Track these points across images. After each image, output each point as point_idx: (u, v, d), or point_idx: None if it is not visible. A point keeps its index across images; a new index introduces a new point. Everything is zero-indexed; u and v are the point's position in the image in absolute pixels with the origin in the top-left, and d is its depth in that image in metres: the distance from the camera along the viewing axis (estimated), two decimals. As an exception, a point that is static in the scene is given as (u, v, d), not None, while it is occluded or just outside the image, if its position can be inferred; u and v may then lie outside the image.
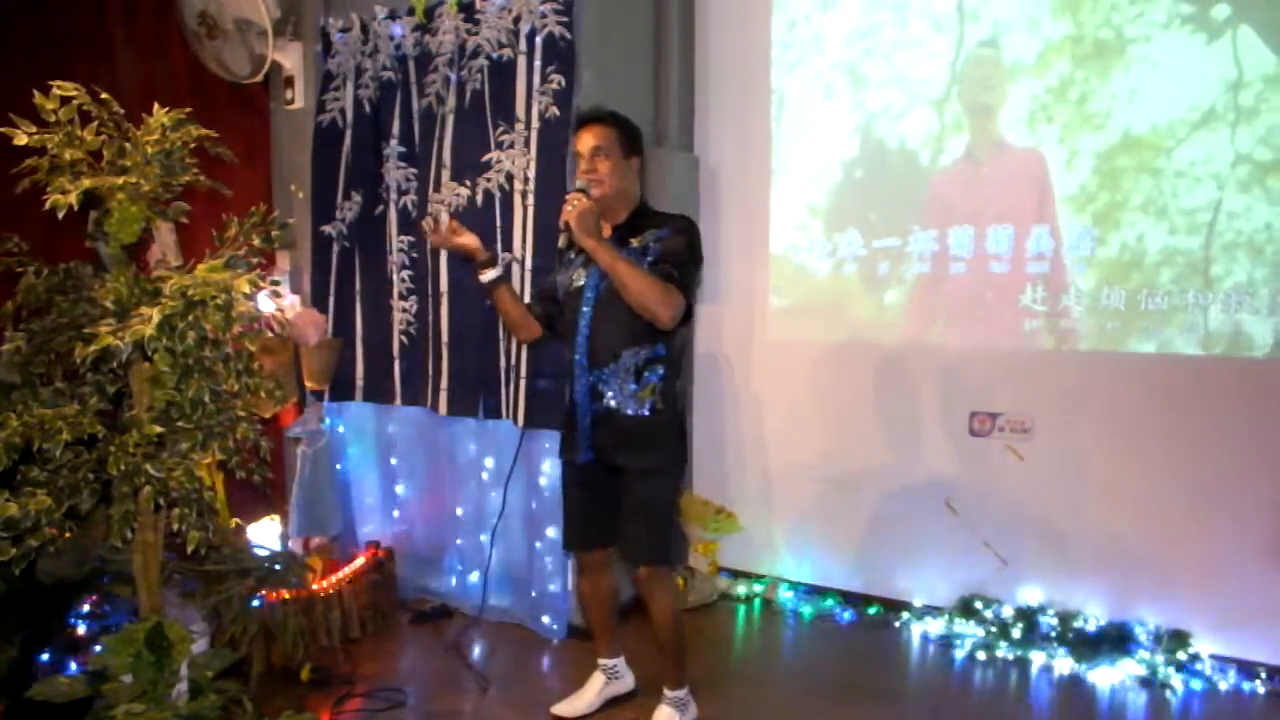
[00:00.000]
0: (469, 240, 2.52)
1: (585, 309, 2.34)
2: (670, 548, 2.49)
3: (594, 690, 2.63)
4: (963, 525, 3.23)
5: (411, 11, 3.25)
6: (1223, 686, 2.79)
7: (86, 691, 2.01)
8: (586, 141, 2.35)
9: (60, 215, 1.89)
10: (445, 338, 3.22)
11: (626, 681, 2.69)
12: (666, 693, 2.51)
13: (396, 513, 3.60)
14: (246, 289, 1.88)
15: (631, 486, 2.37)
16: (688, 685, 2.53)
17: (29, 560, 1.88)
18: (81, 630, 2.36)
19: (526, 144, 3.01)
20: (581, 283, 2.37)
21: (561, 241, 2.43)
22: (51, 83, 1.93)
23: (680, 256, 2.31)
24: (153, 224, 2.06)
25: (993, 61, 3.09)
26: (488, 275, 2.49)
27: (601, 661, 2.66)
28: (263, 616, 2.71)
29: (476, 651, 3.07)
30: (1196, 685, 2.81)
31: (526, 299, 3.01)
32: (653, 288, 2.23)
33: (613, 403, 2.33)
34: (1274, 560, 2.79)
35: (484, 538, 3.32)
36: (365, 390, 3.54)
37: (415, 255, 3.34)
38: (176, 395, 1.91)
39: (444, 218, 2.56)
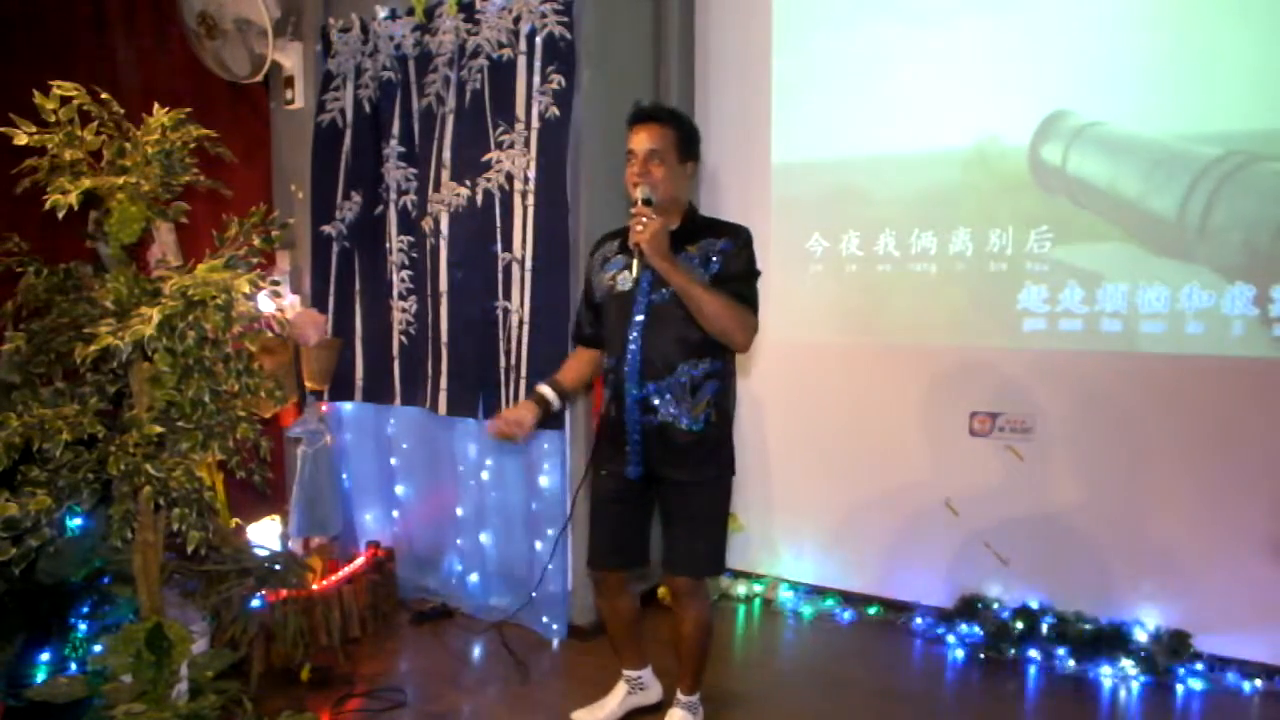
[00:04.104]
0: (526, 431, 2.37)
1: (638, 318, 2.23)
2: (722, 559, 2.43)
3: (616, 700, 2.57)
4: (963, 525, 3.23)
5: (411, 11, 3.25)
6: (1223, 686, 2.79)
7: (86, 691, 2.01)
8: (642, 142, 2.21)
9: (60, 215, 1.89)
10: (445, 338, 3.22)
11: (653, 692, 2.62)
12: (681, 697, 2.47)
13: (396, 513, 3.60)
14: (246, 289, 1.88)
15: (684, 500, 2.30)
16: (700, 691, 2.50)
17: (29, 560, 1.88)
18: (81, 630, 2.35)
19: (526, 144, 3.01)
20: (627, 288, 2.26)
21: (605, 251, 2.37)
22: (51, 83, 1.93)
23: (747, 275, 2.24)
24: (153, 224, 2.06)
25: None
26: (551, 409, 2.41)
27: (626, 672, 2.59)
28: (263, 616, 2.71)
29: (478, 652, 3.07)
30: (1196, 685, 2.81)
31: (527, 298, 3.02)
32: (731, 313, 2.15)
33: (667, 417, 2.23)
34: (1274, 560, 2.79)
35: (484, 538, 3.32)
36: (365, 390, 3.54)
37: (415, 255, 3.35)
38: (176, 395, 1.91)
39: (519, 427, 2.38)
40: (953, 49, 3.13)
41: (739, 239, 2.26)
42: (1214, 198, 2.68)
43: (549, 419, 2.43)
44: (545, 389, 2.41)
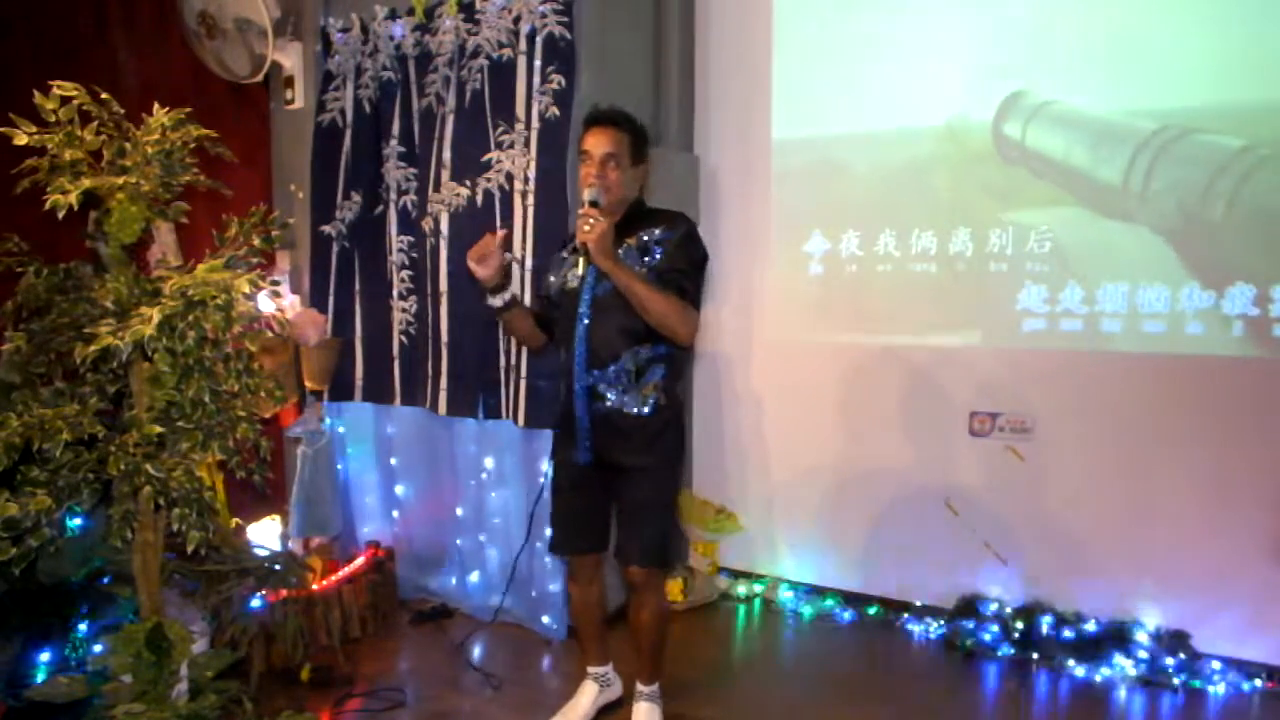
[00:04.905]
0: (487, 271, 2.38)
1: (582, 309, 2.30)
2: (668, 549, 2.43)
3: (588, 699, 2.58)
4: (963, 525, 3.23)
5: (411, 11, 3.25)
6: (1223, 686, 2.80)
7: (86, 691, 2.01)
8: (599, 145, 2.29)
9: (60, 215, 1.89)
10: (445, 338, 3.22)
11: (616, 688, 2.66)
12: (643, 688, 2.50)
13: (396, 513, 3.60)
14: (246, 289, 1.88)
15: (630, 485, 2.34)
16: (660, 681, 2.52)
17: (29, 560, 1.88)
18: (81, 630, 2.36)
19: (526, 144, 3.01)
20: (575, 285, 2.33)
21: (565, 250, 2.43)
22: (51, 83, 1.93)
23: (688, 266, 2.28)
24: (153, 224, 2.06)
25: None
26: (495, 301, 2.43)
27: (592, 669, 2.62)
28: (263, 616, 2.71)
29: (477, 652, 3.07)
30: (1196, 685, 2.81)
31: (527, 298, 3.02)
32: (672, 308, 2.21)
33: (613, 403, 2.30)
34: (1274, 560, 2.79)
35: (484, 538, 3.32)
36: (365, 390, 3.54)
37: (415, 255, 3.34)
38: (176, 395, 1.91)
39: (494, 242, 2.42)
40: (927, 37, 3.21)
41: (678, 229, 2.31)
42: (1153, 166, 2.89)
43: (498, 309, 2.46)
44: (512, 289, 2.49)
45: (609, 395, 2.30)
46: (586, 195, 2.25)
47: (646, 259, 2.28)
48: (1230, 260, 2.82)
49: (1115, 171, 2.94)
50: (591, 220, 2.17)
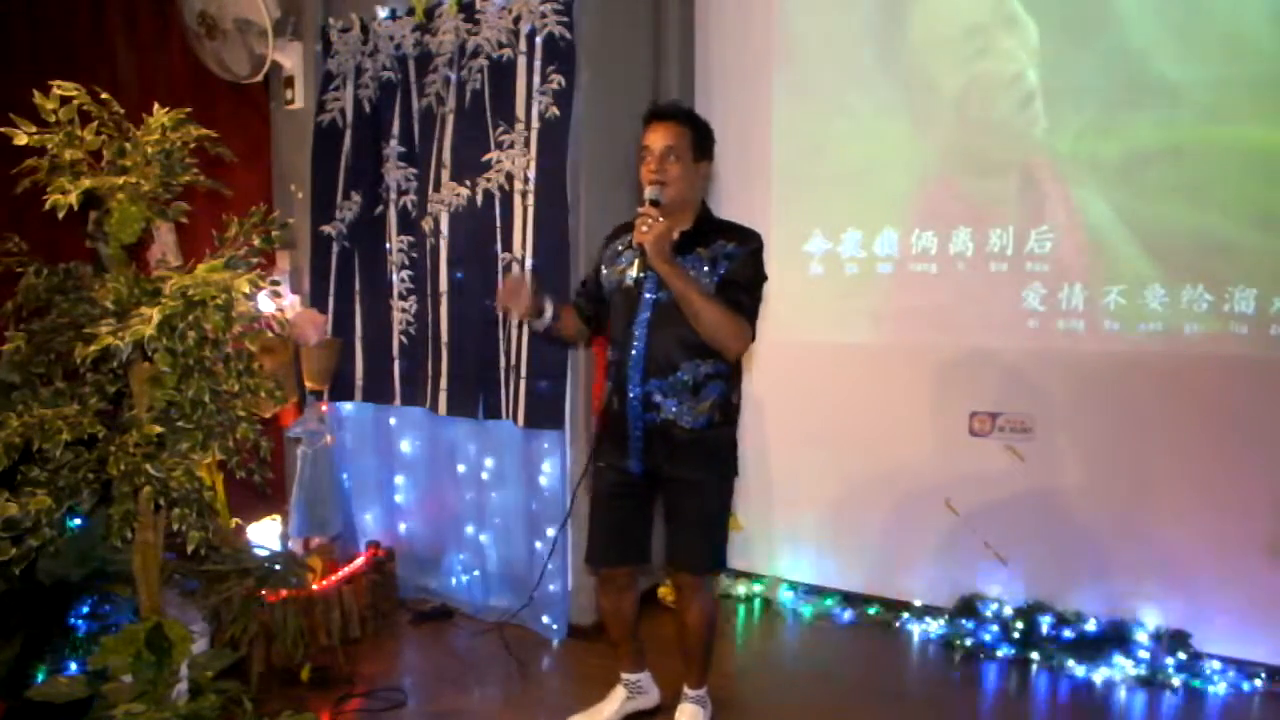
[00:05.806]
0: (521, 308, 2.36)
1: (643, 315, 2.24)
2: (723, 554, 2.42)
3: (614, 705, 2.55)
4: (963, 525, 3.23)
5: (411, 11, 3.25)
6: (1223, 686, 2.80)
7: (86, 691, 2.00)
8: (659, 139, 2.22)
9: (60, 215, 1.89)
10: (445, 338, 3.23)
11: (651, 697, 2.61)
12: (689, 691, 2.49)
13: (397, 513, 3.60)
14: (246, 289, 1.88)
15: (685, 496, 2.30)
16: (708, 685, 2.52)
17: (29, 560, 1.87)
18: (81, 630, 2.35)
19: (526, 144, 3.01)
20: (632, 283, 2.27)
21: (619, 244, 2.38)
22: (51, 83, 1.93)
23: (751, 282, 2.24)
24: (153, 224, 2.05)
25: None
26: (538, 325, 2.41)
27: (625, 676, 2.59)
28: (263, 616, 2.71)
29: (479, 651, 3.07)
30: (1196, 685, 2.81)
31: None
32: (726, 320, 2.15)
33: (669, 415, 2.24)
34: (1274, 560, 2.79)
35: (484, 538, 3.32)
36: (365, 390, 3.54)
37: (415, 255, 3.35)
38: (176, 395, 1.91)
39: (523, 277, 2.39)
40: (901, 27, 3.26)
41: (747, 245, 2.26)
42: (1100, 135, 3.01)
43: (545, 328, 2.44)
44: (550, 300, 2.42)
45: (665, 406, 2.24)
46: (646, 194, 2.19)
47: (716, 270, 2.22)
48: (1180, 227, 2.91)
49: (1066, 141, 3.04)
50: (650, 220, 2.12)
